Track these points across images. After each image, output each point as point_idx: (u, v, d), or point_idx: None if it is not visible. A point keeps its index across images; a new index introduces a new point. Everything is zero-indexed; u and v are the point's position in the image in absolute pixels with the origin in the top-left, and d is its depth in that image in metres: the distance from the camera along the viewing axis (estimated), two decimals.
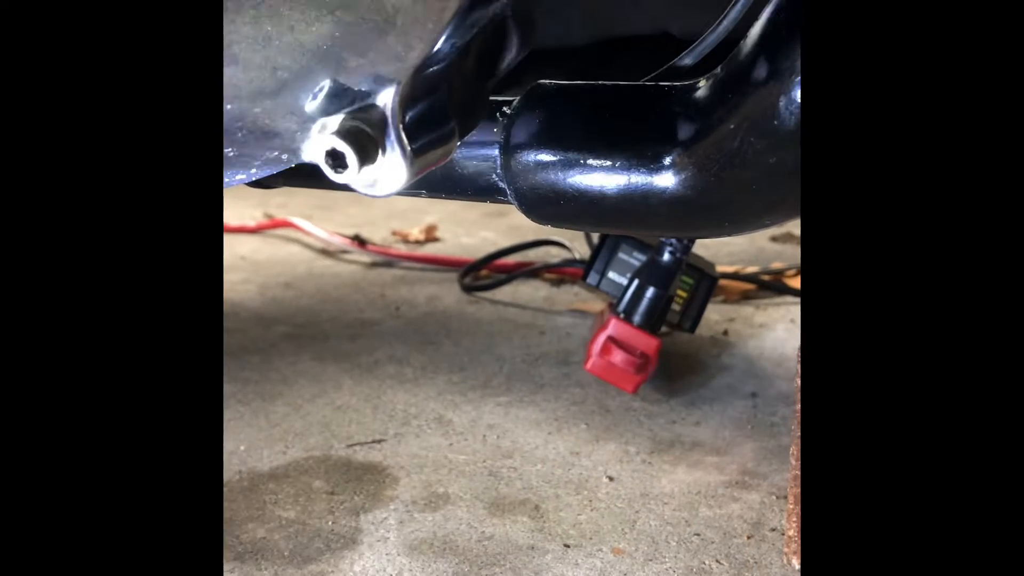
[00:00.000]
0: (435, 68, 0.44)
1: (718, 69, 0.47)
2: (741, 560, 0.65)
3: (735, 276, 1.25)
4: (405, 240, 1.60)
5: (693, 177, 0.47)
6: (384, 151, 0.42)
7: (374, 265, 1.45)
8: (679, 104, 0.48)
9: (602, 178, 0.50)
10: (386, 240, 1.59)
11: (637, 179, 0.49)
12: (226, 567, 0.64)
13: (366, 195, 0.44)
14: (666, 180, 0.48)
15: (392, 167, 0.42)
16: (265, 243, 1.60)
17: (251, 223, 1.69)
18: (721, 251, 1.45)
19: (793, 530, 0.63)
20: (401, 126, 0.42)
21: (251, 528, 0.69)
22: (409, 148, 0.42)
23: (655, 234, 0.80)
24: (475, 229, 1.69)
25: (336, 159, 0.42)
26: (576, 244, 1.36)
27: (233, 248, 1.55)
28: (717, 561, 0.65)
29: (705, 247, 1.37)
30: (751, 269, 1.31)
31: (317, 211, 1.81)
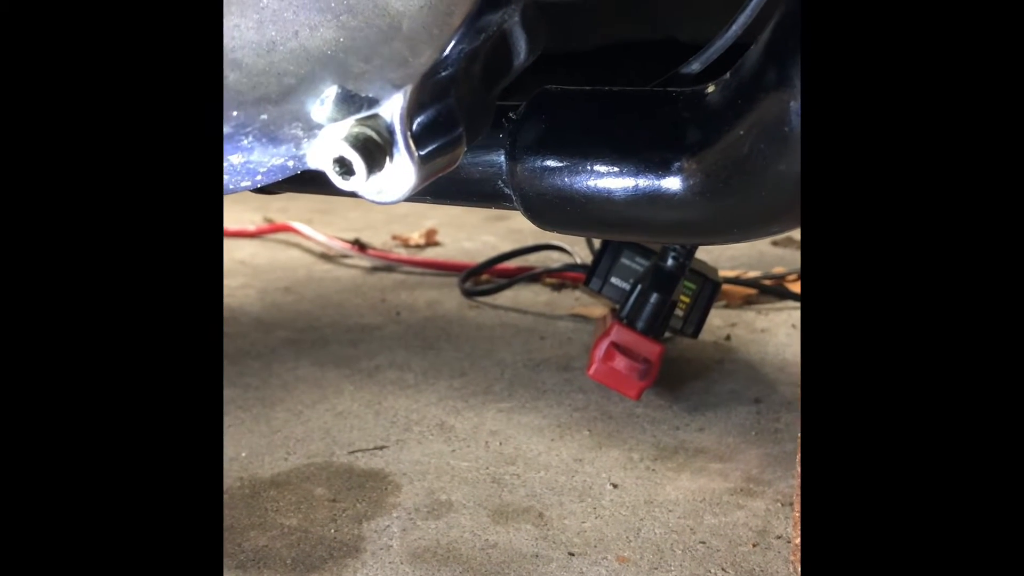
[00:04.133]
0: (443, 74, 0.43)
1: (726, 75, 0.47)
2: (747, 568, 0.64)
3: (737, 281, 1.25)
4: (405, 244, 1.60)
5: (701, 183, 0.47)
6: (392, 158, 0.41)
7: (374, 269, 1.44)
8: (687, 110, 0.48)
9: (609, 184, 0.49)
10: (386, 244, 1.59)
11: (644, 185, 0.48)
12: None
13: (373, 202, 0.44)
14: (673, 186, 0.48)
15: (400, 174, 0.42)
16: (265, 247, 1.60)
17: (251, 227, 1.68)
18: (723, 256, 1.45)
19: (799, 538, 0.63)
20: (409, 133, 0.41)
21: (253, 536, 0.68)
22: (417, 155, 0.42)
23: (661, 240, 0.80)
24: (476, 233, 1.68)
25: (343, 166, 0.41)
26: (577, 249, 1.35)
27: (232, 252, 1.55)
28: (723, 569, 0.64)
29: (707, 252, 1.37)
30: (753, 274, 1.31)
31: (317, 215, 1.80)
